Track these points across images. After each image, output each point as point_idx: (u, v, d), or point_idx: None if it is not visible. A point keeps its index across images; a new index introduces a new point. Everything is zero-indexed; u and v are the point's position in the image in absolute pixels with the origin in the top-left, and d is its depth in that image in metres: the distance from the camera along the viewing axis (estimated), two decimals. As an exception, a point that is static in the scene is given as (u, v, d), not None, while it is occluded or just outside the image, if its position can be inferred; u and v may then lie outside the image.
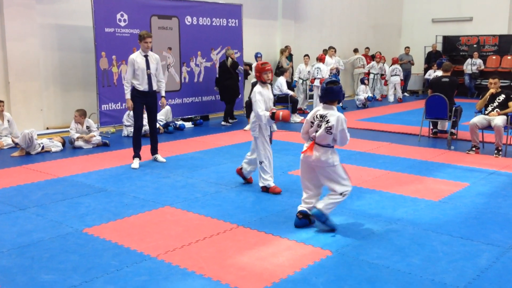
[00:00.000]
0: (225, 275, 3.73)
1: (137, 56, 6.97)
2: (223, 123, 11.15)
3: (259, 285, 3.58)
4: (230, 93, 11.04)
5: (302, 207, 4.76)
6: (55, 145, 8.18)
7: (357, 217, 4.99)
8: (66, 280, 3.67)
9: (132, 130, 9.43)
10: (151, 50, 7.28)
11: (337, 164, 4.59)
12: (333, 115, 4.52)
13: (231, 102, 11.14)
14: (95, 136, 8.58)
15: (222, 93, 11.14)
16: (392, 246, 4.28)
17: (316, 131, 4.58)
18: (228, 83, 10.94)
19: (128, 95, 6.99)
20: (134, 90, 7.03)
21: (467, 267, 3.86)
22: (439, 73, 10.74)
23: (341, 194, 4.59)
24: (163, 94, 7.34)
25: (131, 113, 9.47)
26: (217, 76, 11.31)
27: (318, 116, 4.60)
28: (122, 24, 9.92)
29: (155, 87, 7.15)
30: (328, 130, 4.50)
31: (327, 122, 4.51)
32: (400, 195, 5.75)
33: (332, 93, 4.56)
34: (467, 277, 3.70)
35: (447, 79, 9.05)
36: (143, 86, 7.00)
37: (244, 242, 4.36)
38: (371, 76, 16.25)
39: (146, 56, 7.00)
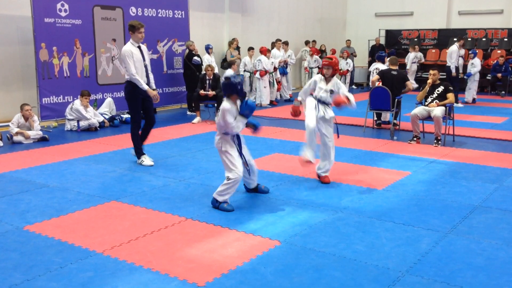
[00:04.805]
0: (174, 268, 3.70)
1: (131, 47, 6.52)
2: (188, 112, 11.67)
3: (208, 276, 3.57)
4: (187, 83, 11.68)
5: None
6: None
7: (304, 207, 5.07)
8: (6, 279, 3.52)
9: (76, 124, 9.23)
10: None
11: (224, 151, 4.99)
12: (221, 106, 4.96)
13: (190, 91, 11.41)
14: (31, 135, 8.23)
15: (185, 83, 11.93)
16: (338, 234, 4.38)
17: None
18: (186, 73, 11.73)
19: (145, 86, 6.53)
20: (130, 85, 6.56)
21: (409, 252, 4.01)
22: (379, 65, 11.07)
23: (227, 178, 4.96)
24: (154, 87, 6.85)
25: (74, 106, 9.22)
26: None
27: None
28: (63, 14, 9.57)
29: (151, 79, 6.76)
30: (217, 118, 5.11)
31: None
32: (346, 184, 5.89)
33: (224, 87, 5.00)
34: (409, 261, 3.84)
35: (395, 72, 9.32)
36: (142, 79, 6.57)
37: (192, 235, 4.33)
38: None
39: (139, 47, 6.62)
